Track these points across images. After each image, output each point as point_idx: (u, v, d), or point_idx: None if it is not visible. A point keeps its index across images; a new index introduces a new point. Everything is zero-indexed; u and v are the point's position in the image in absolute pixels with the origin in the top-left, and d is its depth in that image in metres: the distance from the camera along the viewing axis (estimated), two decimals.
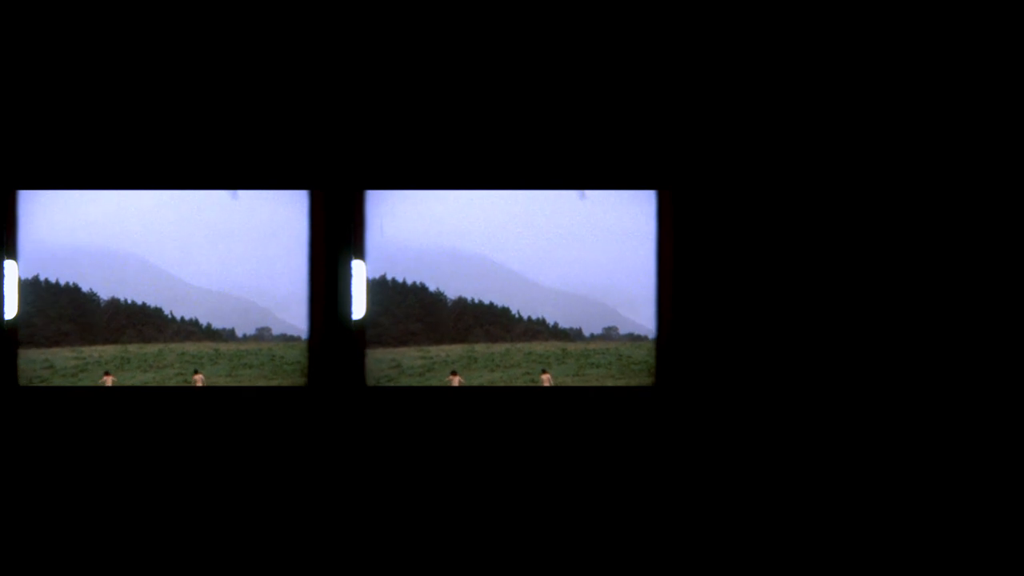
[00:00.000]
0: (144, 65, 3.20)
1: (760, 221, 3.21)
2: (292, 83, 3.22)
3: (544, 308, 3.19)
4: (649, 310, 3.24)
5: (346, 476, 3.20)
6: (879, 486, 3.19)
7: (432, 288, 3.19)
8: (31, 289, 3.22)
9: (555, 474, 3.21)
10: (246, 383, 3.25)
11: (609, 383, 3.20)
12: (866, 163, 3.21)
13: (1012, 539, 3.14)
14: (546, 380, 3.26)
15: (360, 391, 3.22)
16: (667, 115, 3.22)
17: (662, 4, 3.22)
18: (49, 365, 3.21)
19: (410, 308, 3.18)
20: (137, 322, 3.24)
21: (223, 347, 3.25)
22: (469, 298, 3.19)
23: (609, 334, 3.21)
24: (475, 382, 3.19)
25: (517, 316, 3.19)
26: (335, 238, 3.25)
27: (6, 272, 3.19)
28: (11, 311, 3.20)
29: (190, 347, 3.26)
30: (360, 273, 3.24)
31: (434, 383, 3.18)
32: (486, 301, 3.19)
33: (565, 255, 3.19)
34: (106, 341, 3.24)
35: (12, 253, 3.20)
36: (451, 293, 3.20)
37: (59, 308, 3.22)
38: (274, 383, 3.25)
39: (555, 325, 3.21)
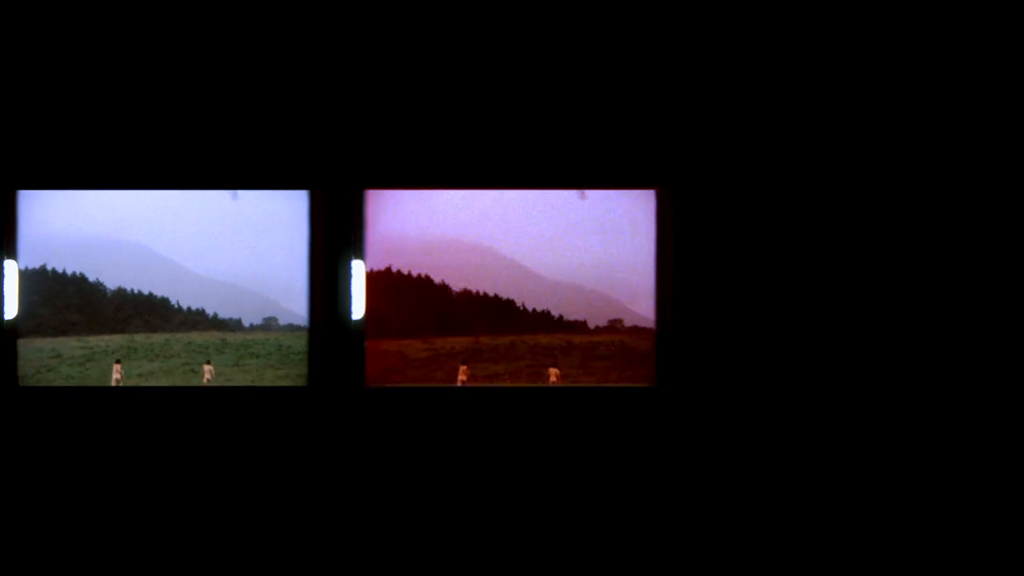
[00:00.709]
0: (144, 65, 3.19)
1: (760, 220, 3.22)
2: (292, 83, 3.21)
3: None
4: (651, 302, 3.26)
5: (346, 476, 3.21)
6: (880, 483, 3.21)
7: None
8: (38, 279, 3.22)
9: (556, 473, 3.22)
10: (253, 372, 3.27)
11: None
12: (865, 162, 3.21)
13: (1012, 539, 3.17)
14: (553, 375, 3.28)
15: (360, 391, 3.23)
16: (667, 114, 3.22)
17: (662, 4, 3.20)
18: (56, 354, 3.23)
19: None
20: (143, 312, 3.26)
21: (229, 336, 3.27)
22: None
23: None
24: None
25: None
26: (335, 238, 3.25)
27: (6, 272, 3.19)
28: (11, 311, 3.20)
29: (196, 336, 3.27)
30: (360, 273, 3.25)
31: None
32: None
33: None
34: (112, 331, 3.25)
35: (12, 253, 3.20)
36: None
37: (66, 298, 3.23)
38: (281, 372, 3.27)
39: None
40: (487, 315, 3.27)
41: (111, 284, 3.24)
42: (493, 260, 3.27)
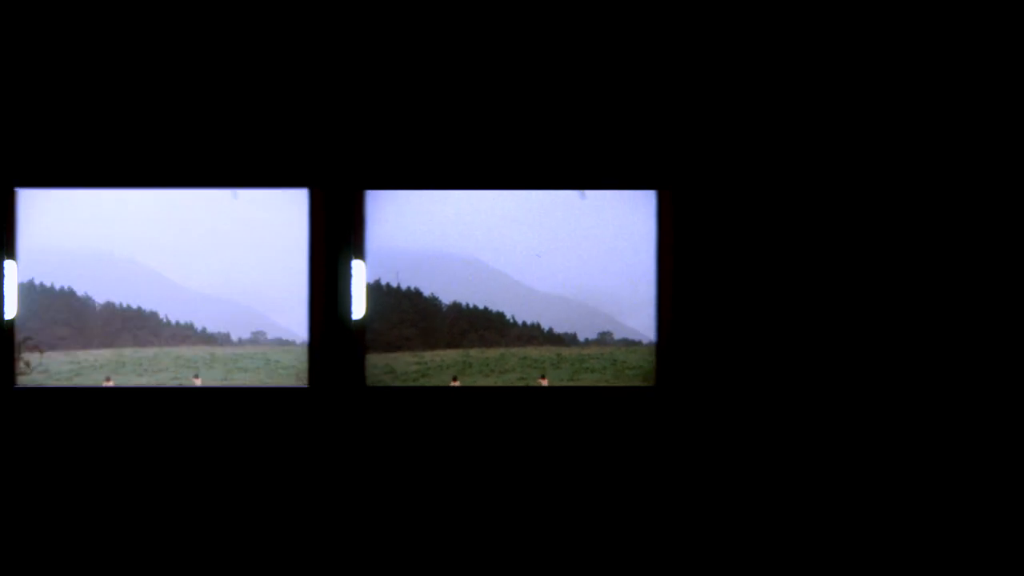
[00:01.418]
0: (144, 64, 3.19)
1: (760, 221, 3.20)
2: (292, 83, 3.21)
3: (539, 313, 3.19)
4: (643, 315, 3.23)
5: (346, 476, 3.20)
6: (878, 486, 3.18)
7: (427, 293, 3.19)
8: (27, 293, 3.22)
9: (554, 473, 3.21)
10: None
11: None
12: (866, 163, 3.20)
13: (1012, 539, 3.14)
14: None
15: (360, 391, 3.22)
16: (667, 115, 3.21)
17: (662, 4, 3.20)
18: (44, 369, 3.22)
19: (404, 313, 3.18)
20: (132, 326, 3.24)
21: (218, 351, 3.25)
22: (463, 303, 3.20)
23: (604, 339, 3.21)
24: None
25: (512, 321, 3.19)
26: (335, 238, 3.24)
27: (6, 272, 3.19)
28: (10, 311, 3.20)
29: (185, 351, 3.26)
30: (360, 273, 3.24)
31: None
32: (480, 306, 3.19)
33: (561, 260, 3.19)
34: (101, 345, 3.24)
35: (12, 253, 3.20)
36: (446, 298, 3.20)
37: (54, 312, 3.22)
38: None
39: (550, 330, 3.21)
40: (476, 328, 3.26)
41: (100, 298, 3.23)
42: (482, 272, 3.25)
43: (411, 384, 3.20)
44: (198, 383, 3.25)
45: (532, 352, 3.20)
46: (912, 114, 3.20)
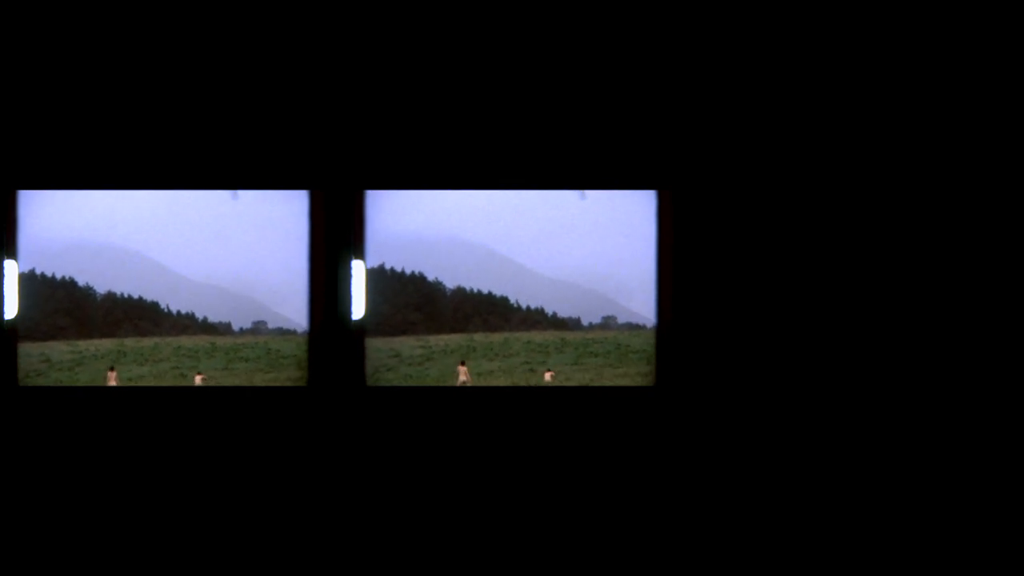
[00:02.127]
0: (144, 65, 3.23)
1: (760, 221, 3.21)
2: (292, 83, 3.24)
3: (543, 298, 3.19)
4: (647, 298, 3.22)
5: (346, 476, 3.17)
6: (880, 483, 3.15)
7: (431, 278, 3.19)
8: (27, 283, 3.22)
9: (556, 474, 3.18)
10: (242, 376, 3.24)
11: (607, 371, 3.17)
12: (865, 162, 3.21)
13: (1012, 539, 3.09)
14: (549, 379, 3.24)
15: (360, 391, 3.20)
16: (667, 115, 3.23)
17: (662, 4, 3.24)
18: (46, 359, 3.20)
19: (409, 297, 3.17)
20: (133, 316, 3.24)
21: (219, 341, 3.24)
22: (468, 288, 3.19)
23: (608, 323, 3.19)
24: (474, 372, 3.17)
25: (515, 305, 3.18)
26: (335, 238, 3.25)
27: (6, 272, 3.19)
28: (11, 311, 3.19)
29: (186, 341, 3.24)
30: (360, 273, 3.24)
31: (434, 372, 3.16)
32: (485, 291, 3.18)
33: (564, 244, 3.19)
34: (102, 335, 3.23)
35: (12, 253, 3.20)
36: (450, 283, 3.19)
37: (55, 302, 3.21)
38: (270, 376, 3.23)
39: (554, 314, 3.19)
40: (480, 312, 3.24)
41: (101, 288, 3.23)
42: (487, 257, 3.25)
43: (417, 367, 3.19)
44: (199, 380, 3.23)
45: (536, 336, 3.19)
46: (912, 114, 3.21)
